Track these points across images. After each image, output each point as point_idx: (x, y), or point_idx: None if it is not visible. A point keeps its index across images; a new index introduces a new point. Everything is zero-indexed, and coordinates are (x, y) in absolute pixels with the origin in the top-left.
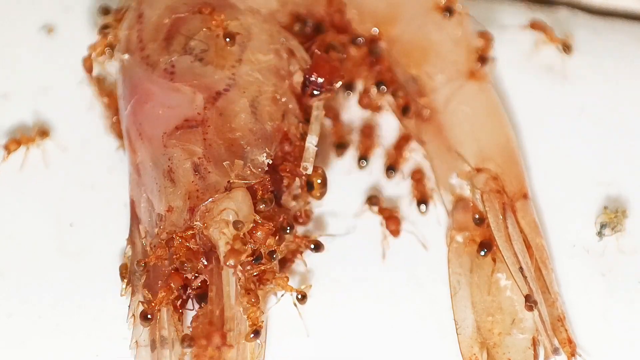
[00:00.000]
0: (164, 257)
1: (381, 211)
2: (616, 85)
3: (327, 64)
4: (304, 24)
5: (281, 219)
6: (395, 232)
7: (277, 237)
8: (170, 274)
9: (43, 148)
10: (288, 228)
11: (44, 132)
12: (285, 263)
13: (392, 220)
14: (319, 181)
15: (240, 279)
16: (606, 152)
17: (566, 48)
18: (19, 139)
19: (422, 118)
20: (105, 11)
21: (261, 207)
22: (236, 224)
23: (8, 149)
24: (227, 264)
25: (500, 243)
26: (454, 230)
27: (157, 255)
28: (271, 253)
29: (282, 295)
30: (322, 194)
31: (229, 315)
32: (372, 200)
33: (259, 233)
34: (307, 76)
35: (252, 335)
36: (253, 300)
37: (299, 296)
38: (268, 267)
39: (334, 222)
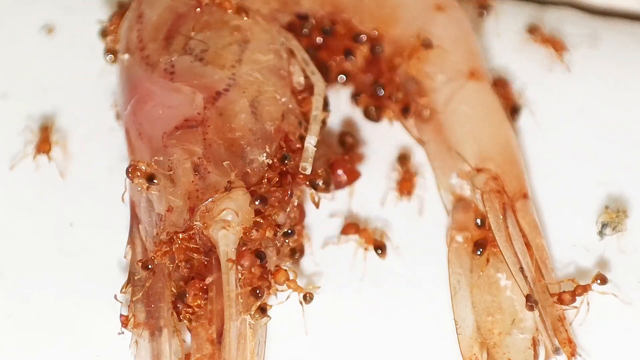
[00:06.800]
0: (168, 254)
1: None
2: (616, 85)
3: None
4: (304, 23)
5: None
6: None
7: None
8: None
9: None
10: (274, 233)
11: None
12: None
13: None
14: (322, 183)
15: (240, 279)
16: (607, 151)
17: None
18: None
19: (422, 118)
20: (105, 33)
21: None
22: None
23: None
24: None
25: (500, 243)
26: (454, 230)
27: (162, 251)
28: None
29: (288, 298)
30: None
31: (228, 314)
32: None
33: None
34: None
35: (257, 314)
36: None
37: (307, 297)
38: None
39: (332, 221)
